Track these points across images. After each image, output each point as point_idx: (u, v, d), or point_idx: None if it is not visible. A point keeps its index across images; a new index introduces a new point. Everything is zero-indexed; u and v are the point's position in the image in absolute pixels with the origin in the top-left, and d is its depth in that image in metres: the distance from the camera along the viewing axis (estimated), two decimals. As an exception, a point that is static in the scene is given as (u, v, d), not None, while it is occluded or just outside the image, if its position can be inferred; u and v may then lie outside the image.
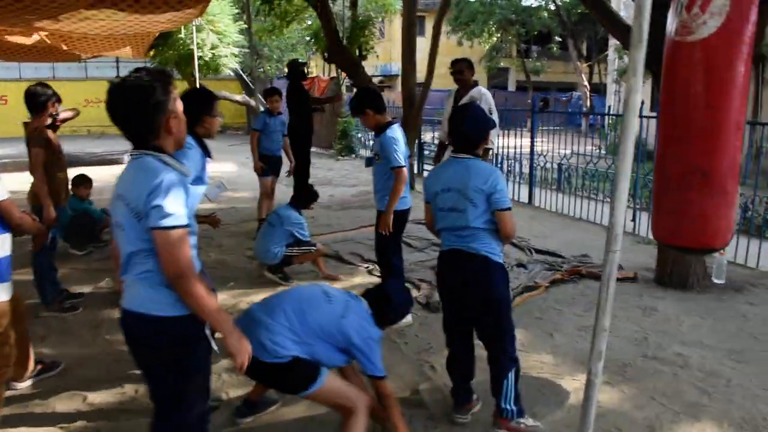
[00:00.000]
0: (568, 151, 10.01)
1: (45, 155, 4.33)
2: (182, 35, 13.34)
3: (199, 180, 3.15)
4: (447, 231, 3.00)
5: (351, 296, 2.80)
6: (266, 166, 6.92)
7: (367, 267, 5.75)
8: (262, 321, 2.54)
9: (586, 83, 27.10)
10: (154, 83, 1.99)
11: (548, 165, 9.66)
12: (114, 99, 2.00)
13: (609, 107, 22.19)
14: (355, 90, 10.07)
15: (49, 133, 4.38)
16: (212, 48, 14.36)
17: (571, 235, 7.12)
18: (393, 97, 17.95)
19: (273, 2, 7.81)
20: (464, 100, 5.86)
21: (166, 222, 1.89)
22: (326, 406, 2.72)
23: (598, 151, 12.52)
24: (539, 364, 3.78)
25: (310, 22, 13.59)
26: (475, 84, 5.96)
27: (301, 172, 7.52)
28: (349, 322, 2.61)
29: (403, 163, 4.13)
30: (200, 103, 3.28)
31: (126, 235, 1.99)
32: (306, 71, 8.12)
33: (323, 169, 13.23)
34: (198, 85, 14.10)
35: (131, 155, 2.04)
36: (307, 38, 10.01)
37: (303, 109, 7.71)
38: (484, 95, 5.85)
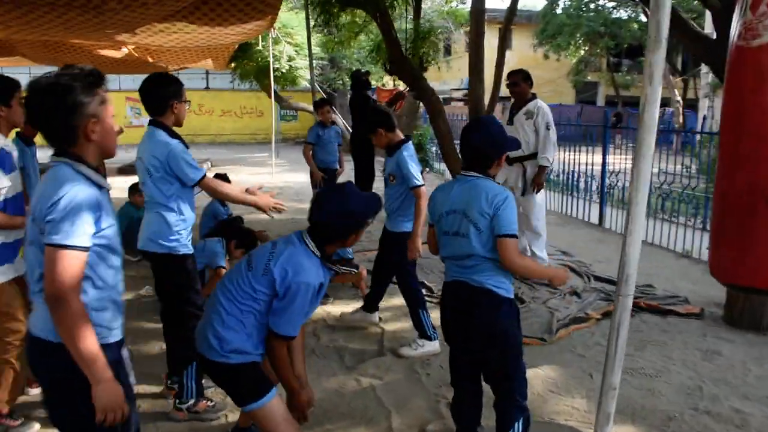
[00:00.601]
0: (655, 170, 9.35)
1: None
2: (260, 47, 13.64)
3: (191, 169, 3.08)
4: (450, 260, 2.70)
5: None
6: (324, 178, 6.85)
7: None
8: (207, 317, 2.43)
9: (679, 98, 25.57)
10: (74, 83, 1.79)
11: (620, 184, 9.02)
12: (30, 98, 1.83)
13: (701, 124, 20.79)
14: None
15: None
16: (289, 60, 14.60)
17: (639, 262, 6.51)
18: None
19: (331, 15, 7.78)
20: (520, 113, 5.58)
21: (56, 239, 1.73)
22: None
23: (687, 170, 11.67)
24: (570, 409, 3.41)
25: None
26: (533, 97, 5.62)
27: (363, 185, 7.40)
28: (279, 264, 2.31)
29: (422, 182, 3.94)
30: (166, 86, 3.20)
31: (35, 253, 1.85)
32: (369, 81, 7.99)
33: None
34: (273, 97, 14.39)
35: (50, 164, 1.88)
36: (369, 49, 9.96)
37: (363, 121, 7.63)
38: (540, 109, 5.51)
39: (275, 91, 14.73)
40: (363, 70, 8.30)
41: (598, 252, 6.93)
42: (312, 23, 9.00)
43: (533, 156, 5.53)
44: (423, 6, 10.23)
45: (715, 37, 5.65)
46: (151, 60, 12.15)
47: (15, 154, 2.97)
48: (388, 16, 7.13)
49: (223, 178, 6.08)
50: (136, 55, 11.52)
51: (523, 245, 5.61)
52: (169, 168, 3.07)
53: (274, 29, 12.50)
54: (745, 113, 3.68)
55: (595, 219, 8.61)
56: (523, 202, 5.59)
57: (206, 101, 26.77)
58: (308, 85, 17.53)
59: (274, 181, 12.85)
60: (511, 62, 32.76)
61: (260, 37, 13.29)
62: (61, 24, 7.00)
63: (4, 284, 2.97)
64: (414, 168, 3.93)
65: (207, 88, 26.86)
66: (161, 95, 3.16)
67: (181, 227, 3.19)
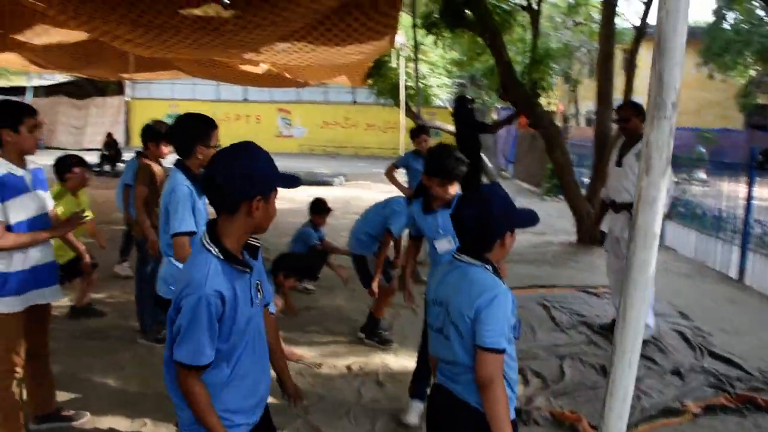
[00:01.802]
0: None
1: (148, 192, 4.51)
2: (394, 65, 13.68)
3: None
4: (439, 360, 2.22)
5: None
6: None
7: None
8: None
9: None
10: None
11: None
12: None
13: None
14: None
15: (156, 168, 4.52)
16: (422, 78, 14.49)
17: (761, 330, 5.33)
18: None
19: (438, 36, 7.50)
20: (630, 154, 4.86)
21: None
22: None
23: None
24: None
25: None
26: (647, 135, 4.88)
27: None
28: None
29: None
30: (193, 128, 2.97)
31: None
32: (473, 109, 7.56)
33: (520, 209, 12.39)
34: (404, 115, 14.36)
35: None
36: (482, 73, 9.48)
37: (469, 148, 7.25)
38: (655, 150, 4.76)
39: (409, 107, 14.67)
40: (469, 97, 7.84)
41: (727, 317, 5.65)
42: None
43: None
44: (558, 23, 9.61)
45: None
46: (288, 75, 12.68)
47: (28, 178, 3.00)
48: (500, 38, 6.70)
49: (321, 204, 6.06)
50: (275, 71, 12.05)
51: None
52: (167, 212, 2.95)
53: (406, 47, 12.46)
54: None
55: (734, 272, 7.22)
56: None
57: (352, 115, 27.62)
58: (442, 103, 17.37)
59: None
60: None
61: (393, 55, 13.34)
62: (189, 44, 7.40)
63: (9, 315, 2.94)
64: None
65: (354, 102, 27.67)
66: (186, 137, 2.98)
67: None
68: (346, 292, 6.10)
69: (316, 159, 24.34)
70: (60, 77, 22.83)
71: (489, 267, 2.09)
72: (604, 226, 5.05)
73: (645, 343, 4.74)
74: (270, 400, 3.60)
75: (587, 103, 24.92)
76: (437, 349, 2.18)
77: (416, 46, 8.07)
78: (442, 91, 15.33)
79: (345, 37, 7.65)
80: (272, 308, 4.66)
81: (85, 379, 4.05)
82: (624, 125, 4.93)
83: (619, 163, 4.90)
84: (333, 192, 13.54)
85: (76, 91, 26.59)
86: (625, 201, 4.82)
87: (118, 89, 27.60)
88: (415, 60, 8.24)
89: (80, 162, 4.90)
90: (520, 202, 13.48)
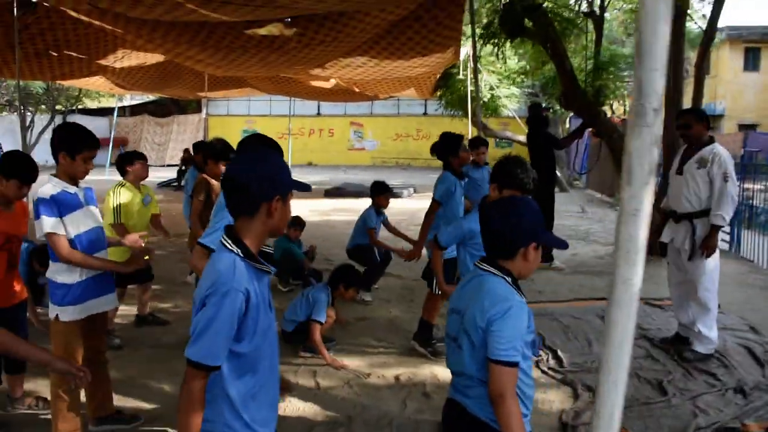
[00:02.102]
0: None
1: (203, 205, 4.72)
2: (461, 76, 13.68)
3: None
4: (452, 372, 2.16)
5: None
6: None
7: (539, 356, 4.59)
8: None
9: None
10: None
11: None
12: None
13: None
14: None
15: (213, 183, 4.73)
16: (490, 89, 14.41)
17: None
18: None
19: (499, 46, 7.45)
20: (691, 161, 4.66)
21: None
22: None
23: None
24: None
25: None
26: (710, 141, 4.66)
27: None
28: None
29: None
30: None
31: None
32: (548, 117, 7.49)
33: (592, 220, 12.05)
34: (478, 126, 14.33)
35: None
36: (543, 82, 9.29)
37: (541, 159, 7.18)
38: (718, 156, 4.51)
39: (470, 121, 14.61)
40: (544, 105, 7.77)
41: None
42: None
43: (705, 213, 4.59)
44: (632, 28, 9.31)
45: None
46: (357, 90, 12.94)
47: (81, 195, 3.21)
48: (561, 45, 6.60)
49: (382, 185, 6.46)
50: (344, 85, 12.35)
51: (690, 319, 4.66)
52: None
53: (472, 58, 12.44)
54: None
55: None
56: (690, 267, 4.61)
57: (423, 126, 27.74)
58: (511, 113, 17.17)
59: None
60: (758, 86, 28.62)
61: (462, 66, 13.33)
62: (257, 63, 7.75)
63: (69, 323, 3.14)
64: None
65: (425, 113, 27.80)
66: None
67: None
68: (403, 304, 6.11)
69: (388, 171, 24.57)
70: (143, 97, 24.21)
71: (508, 278, 2.03)
72: (665, 237, 4.84)
73: (707, 357, 4.52)
74: (312, 408, 3.71)
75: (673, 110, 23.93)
76: (450, 359, 2.14)
77: (475, 57, 8.06)
78: (510, 101, 15.16)
79: (407, 50, 7.78)
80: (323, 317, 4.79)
81: (142, 385, 4.15)
82: (685, 131, 4.72)
83: (679, 171, 4.72)
84: (401, 204, 13.64)
85: (159, 110, 28.14)
86: (686, 211, 4.62)
87: (198, 107, 28.97)
88: (475, 71, 8.24)
89: (140, 156, 5.13)
90: (592, 211, 13.14)
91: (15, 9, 5.45)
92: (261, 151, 1.95)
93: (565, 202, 13.96)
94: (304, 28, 6.29)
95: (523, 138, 18.68)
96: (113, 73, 9.25)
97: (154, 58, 8.33)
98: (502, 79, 14.60)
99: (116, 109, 23.72)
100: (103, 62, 8.02)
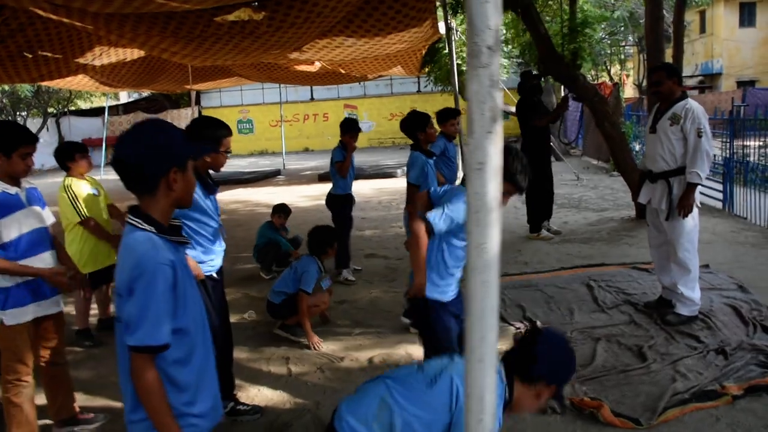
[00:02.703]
0: None
1: None
2: (447, 51, 13.53)
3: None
4: None
5: None
6: None
7: (519, 328, 4.59)
8: None
9: None
10: None
11: None
12: None
13: None
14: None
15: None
16: (477, 61, 14.28)
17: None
18: (710, 99, 15.27)
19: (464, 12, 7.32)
20: (664, 119, 4.58)
21: None
22: None
23: None
24: None
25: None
26: (682, 97, 4.57)
27: (537, 196, 6.93)
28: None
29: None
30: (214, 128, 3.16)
31: None
32: (539, 85, 7.32)
33: (586, 187, 11.96)
34: (460, 97, 14.21)
35: None
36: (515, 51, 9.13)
37: (533, 127, 7.09)
38: (690, 111, 4.42)
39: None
40: (534, 73, 7.61)
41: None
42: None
43: (681, 171, 4.54)
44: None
45: None
46: (343, 71, 12.84)
47: (23, 195, 3.16)
48: (534, 11, 6.48)
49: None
50: (329, 68, 12.26)
51: (672, 281, 4.62)
52: None
53: (457, 30, 12.29)
54: None
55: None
56: (668, 228, 4.56)
57: (417, 104, 27.36)
58: (503, 85, 16.97)
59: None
60: (755, 41, 28.16)
61: (446, 41, 13.16)
62: (231, 50, 7.67)
63: (15, 326, 3.11)
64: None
65: (418, 91, 27.62)
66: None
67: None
68: (384, 284, 6.09)
69: (385, 151, 24.51)
70: (136, 95, 24.14)
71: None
72: (642, 198, 4.76)
73: (690, 320, 4.47)
74: (281, 396, 3.71)
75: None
76: None
77: (448, 26, 7.93)
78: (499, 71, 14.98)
79: (383, 26, 7.68)
80: (327, 283, 4.83)
81: (105, 385, 4.10)
82: (656, 89, 4.63)
83: (653, 130, 4.65)
84: (395, 183, 13.58)
85: (152, 106, 28.04)
86: (661, 170, 4.56)
87: (190, 101, 28.84)
88: (448, 42, 8.12)
89: (79, 148, 4.94)
90: (588, 178, 13.04)
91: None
92: (147, 125, 1.82)
93: (560, 171, 13.88)
94: (273, 11, 6.21)
95: (512, 108, 18.58)
96: (96, 72, 9.19)
97: (134, 53, 8.27)
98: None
99: (107, 108, 23.68)
100: (81, 61, 7.96)
